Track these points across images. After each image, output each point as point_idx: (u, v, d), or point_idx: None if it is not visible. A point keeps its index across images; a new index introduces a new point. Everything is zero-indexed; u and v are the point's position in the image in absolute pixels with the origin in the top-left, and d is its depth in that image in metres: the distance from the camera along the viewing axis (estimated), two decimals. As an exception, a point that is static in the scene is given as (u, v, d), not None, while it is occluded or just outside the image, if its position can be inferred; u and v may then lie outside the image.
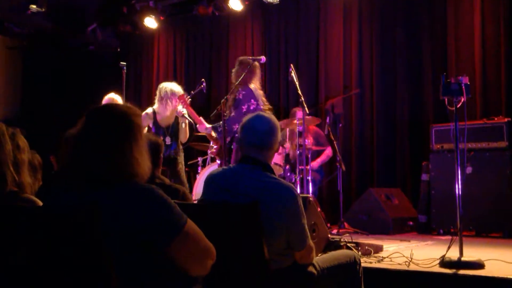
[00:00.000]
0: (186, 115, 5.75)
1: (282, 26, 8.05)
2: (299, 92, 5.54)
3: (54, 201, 1.98)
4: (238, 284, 2.41)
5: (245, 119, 2.70)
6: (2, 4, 7.87)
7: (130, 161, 1.90)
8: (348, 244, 3.59)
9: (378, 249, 4.18)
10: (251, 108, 5.31)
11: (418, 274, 3.42)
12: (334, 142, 6.32)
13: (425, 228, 5.94)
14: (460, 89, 3.64)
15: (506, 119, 5.62)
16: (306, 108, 5.61)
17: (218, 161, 6.00)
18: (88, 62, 9.16)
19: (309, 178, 5.91)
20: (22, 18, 8.15)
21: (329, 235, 3.62)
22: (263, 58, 5.51)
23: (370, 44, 7.33)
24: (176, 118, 5.84)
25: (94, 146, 1.90)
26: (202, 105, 7.76)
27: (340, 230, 5.73)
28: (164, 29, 8.94)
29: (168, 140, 5.79)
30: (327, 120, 6.46)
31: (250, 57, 5.73)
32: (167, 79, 9.00)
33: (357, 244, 3.87)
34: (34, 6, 7.79)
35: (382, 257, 3.85)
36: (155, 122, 5.80)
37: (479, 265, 3.40)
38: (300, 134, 5.87)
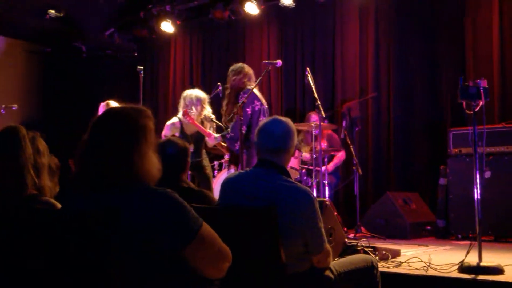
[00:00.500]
0: (214, 119, 5.78)
1: (298, 30, 8.04)
2: (315, 95, 5.53)
3: (70, 204, 2.00)
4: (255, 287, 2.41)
5: (261, 123, 2.70)
6: (21, 9, 7.97)
7: (138, 163, 1.91)
8: (365, 249, 3.57)
9: (396, 253, 4.15)
10: (256, 109, 5.33)
11: (436, 279, 3.38)
12: (351, 146, 6.30)
13: (443, 233, 5.88)
14: (478, 92, 3.61)
15: (525, 123, 5.56)
16: (323, 112, 5.59)
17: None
18: (105, 66, 9.24)
19: (326, 182, 5.89)
20: (41, 23, 8.25)
21: (346, 240, 3.60)
22: (279, 62, 5.51)
23: (387, 47, 7.29)
24: (202, 124, 5.90)
25: (102, 150, 1.91)
26: (218, 108, 7.77)
27: (357, 235, 5.69)
28: (181, 33, 8.98)
29: (191, 148, 5.83)
30: (344, 124, 6.44)
31: (266, 61, 5.74)
32: (183, 82, 9.08)
33: (374, 249, 3.84)
34: (52, 11, 7.89)
35: (400, 262, 3.82)
36: (182, 130, 5.85)
37: (498, 270, 3.36)
38: (316, 137, 5.86)
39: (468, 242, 3.87)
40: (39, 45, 8.88)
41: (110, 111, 2.05)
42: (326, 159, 6.28)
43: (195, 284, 1.95)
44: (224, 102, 5.71)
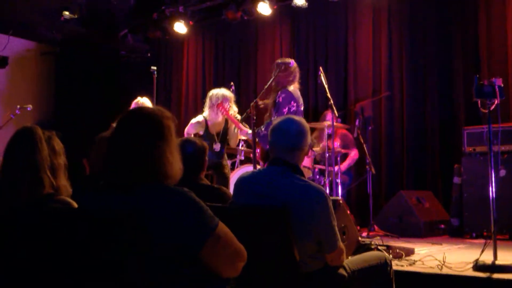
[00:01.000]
0: (240, 118, 5.81)
1: (311, 30, 8.04)
2: (328, 95, 5.53)
3: (88, 203, 2.02)
4: (270, 286, 2.41)
5: (275, 121, 2.71)
6: (36, 11, 8.05)
7: (162, 163, 1.93)
8: (379, 247, 3.57)
9: (410, 252, 4.14)
10: (292, 110, 5.29)
11: (451, 278, 3.37)
12: (364, 145, 6.29)
13: (457, 232, 5.85)
14: (493, 91, 3.59)
15: (540, 121, 5.51)
16: (336, 111, 5.59)
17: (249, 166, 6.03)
18: (119, 67, 9.29)
19: (338, 180, 5.89)
20: (55, 24, 8.33)
21: (359, 238, 3.60)
22: (292, 62, 5.50)
23: (400, 46, 7.26)
24: (226, 123, 5.93)
25: (126, 150, 1.93)
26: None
27: (370, 233, 5.69)
28: (193, 34, 9.01)
29: (217, 147, 5.88)
30: (357, 123, 6.43)
31: (280, 61, 5.73)
32: (196, 83, 9.11)
33: (388, 247, 3.84)
34: (67, 13, 7.96)
35: (414, 260, 3.82)
36: (206, 129, 5.88)
37: (513, 269, 3.34)
38: (329, 136, 5.85)
39: (482, 241, 3.85)
40: (53, 47, 8.95)
41: (133, 111, 2.07)
42: (339, 158, 6.27)
43: (211, 283, 1.96)
44: (263, 97, 5.56)
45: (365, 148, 6.27)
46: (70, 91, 8.90)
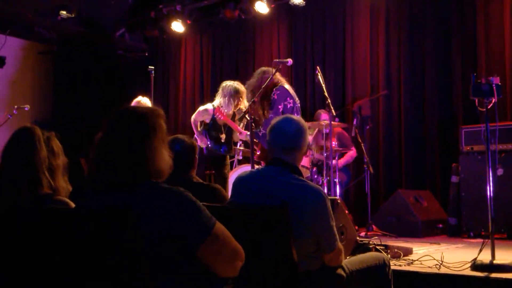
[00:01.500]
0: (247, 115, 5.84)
1: (309, 28, 8.03)
2: (326, 94, 5.52)
3: (84, 203, 2.02)
4: (268, 286, 2.41)
5: (273, 121, 2.71)
6: (33, 10, 8.03)
7: (152, 160, 1.94)
8: (377, 247, 3.57)
9: (408, 252, 4.14)
10: (288, 106, 5.29)
11: (449, 277, 3.37)
12: (362, 144, 6.29)
13: (455, 231, 5.85)
14: (491, 89, 3.59)
15: (538, 120, 5.52)
16: (333, 110, 5.58)
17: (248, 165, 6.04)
18: (117, 66, 9.28)
19: (336, 180, 5.89)
20: (52, 23, 8.31)
21: (358, 238, 3.60)
22: (289, 61, 5.50)
23: (398, 45, 7.26)
24: (234, 116, 5.96)
25: (115, 149, 1.93)
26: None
27: (369, 233, 5.69)
28: (191, 33, 9.01)
29: (223, 138, 5.92)
30: (354, 122, 6.42)
31: (277, 60, 5.73)
32: (194, 82, 9.10)
33: (386, 247, 3.83)
34: (64, 12, 7.94)
35: (412, 260, 3.82)
36: (213, 118, 5.90)
37: (511, 268, 3.34)
38: (326, 136, 5.85)
39: (480, 240, 3.85)
40: (50, 46, 8.93)
41: (122, 111, 2.08)
42: (336, 158, 6.27)
43: (209, 283, 1.96)
44: (254, 105, 5.50)
45: (363, 147, 6.26)
46: (68, 91, 8.88)
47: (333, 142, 6.07)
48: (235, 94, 5.84)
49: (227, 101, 5.80)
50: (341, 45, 7.73)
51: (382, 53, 7.35)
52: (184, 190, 1.91)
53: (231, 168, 6.77)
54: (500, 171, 5.43)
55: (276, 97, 5.31)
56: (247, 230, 2.26)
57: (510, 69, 6.34)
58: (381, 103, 7.27)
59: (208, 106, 5.99)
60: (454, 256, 3.89)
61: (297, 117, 2.73)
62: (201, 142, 5.93)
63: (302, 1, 7.54)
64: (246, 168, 6.06)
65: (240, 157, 6.57)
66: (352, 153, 6.74)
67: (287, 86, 5.42)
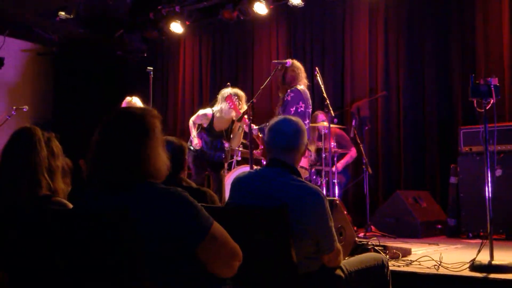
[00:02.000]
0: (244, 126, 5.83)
1: (308, 29, 8.04)
2: (325, 95, 5.53)
3: (82, 204, 2.02)
4: (267, 287, 2.41)
5: (271, 122, 2.71)
6: (32, 11, 8.03)
7: (149, 161, 1.94)
8: (376, 248, 3.57)
9: (406, 252, 4.14)
10: (299, 110, 5.27)
11: (447, 278, 3.38)
12: (360, 145, 6.29)
13: (454, 232, 5.86)
14: (489, 90, 3.60)
15: (536, 121, 5.53)
16: (332, 111, 5.58)
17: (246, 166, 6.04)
18: (116, 67, 9.28)
19: (335, 181, 5.89)
20: (51, 24, 8.31)
21: (356, 239, 3.60)
22: (288, 62, 5.50)
23: (397, 46, 7.26)
24: (232, 123, 5.94)
25: (112, 150, 1.94)
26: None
27: (367, 234, 5.69)
28: (190, 34, 9.01)
29: (227, 145, 5.93)
30: (353, 123, 6.43)
31: (276, 61, 5.73)
32: (192, 83, 9.10)
33: (385, 248, 3.84)
34: (63, 13, 7.94)
35: (411, 260, 3.82)
36: (211, 124, 5.91)
37: (510, 268, 3.35)
38: (323, 137, 5.86)
39: (479, 241, 3.86)
40: (49, 47, 8.93)
41: (118, 112, 2.08)
42: (335, 159, 6.28)
43: (208, 283, 1.96)
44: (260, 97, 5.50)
45: (361, 148, 6.27)
46: (67, 92, 8.89)
47: (332, 144, 6.07)
48: (233, 96, 5.82)
49: (226, 104, 5.79)
50: (340, 46, 7.73)
51: (381, 54, 7.35)
52: (182, 190, 1.92)
53: (230, 169, 6.78)
54: (498, 172, 5.44)
55: (289, 98, 5.28)
56: (246, 231, 2.26)
57: (508, 70, 6.35)
58: (380, 104, 7.28)
59: (208, 110, 6.00)
60: (453, 257, 3.90)
61: (295, 118, 2.73)
62: (196, 144, 5.95)
63: (301, 2, 7.55)
64: (245, 169, 6.06)
65: (239, 158, 6.58)
66: (351, 153, 6.75)
67: (301, 87, 5.38)
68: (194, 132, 6.03)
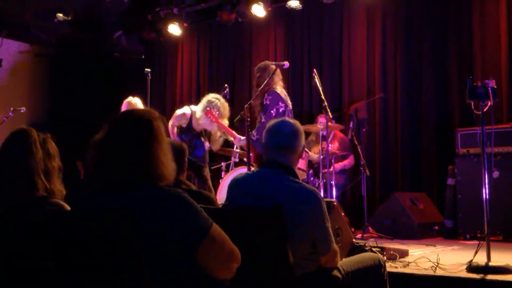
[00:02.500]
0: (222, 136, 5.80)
1: (305, 32, 8.04)
2: (323, 97, 5.54)
3: (82, 205, 2.02)
4: (263, 288, 2.41)
5: (269, 123, 2.71)
6: (30, 13, 8.02)
7: (155, 164, 1.94)
8: (373, 249, 3.57)
9: (404, 254, 4.15)
10: (280, 111, 5.32)
11: (445, 279, 3.38)
12: (358, 147, 6.30)
13: (451, 233, 5.87)
14: (486, 92, 3.60)
15: (533, 123, 5.54)
16: (330, 113, 5.59)
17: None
18: (113, 69, 9.27)
19: (333, 182, 5.89)
20: (49, 26, 8.30)
21: (354, 240, 3.60)
22: (286, 64, 5.51)
23: (394, 48, 7.28)
24: (204, 132, 5.95)
25: (117, 152, 1.94)
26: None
27: (365, 235, 5.70)
28: (188, 35, 9.01)
29: (207, 145, 5.90)
30: (351, 125, 6.44)
31: (273, 63, 5.74)
32: (190, 85, 9.11)
33: (382, 249, 3.84)
34: (60, 15, 7.94)
35: (408, 261, 3.82)
36: (189, 123, 5.88)
37: (507, 270, 3.36)
38: (323, 138, 5.86)
39: (476, 242, 3.86)
40: (47, 48, 8.92)
41: (123, 114, 2.09)
42: (333, 161, 6.28)
43: (207, 284, 1.96)
44: (253, 102, 5.55)
45: (359, 150, 6.28)
46: (64, 93, 8.87)
47: (331, 145, 6.08)
48: (207, 104, 5.79)
49: (206, 117, 5.73)
50: (337, 48, 7.74)
51: (378, 56, 7.37)
52: (182, 191, 1.92)
53: (228, 170, 6.77)
54: (495, 174, 5.45)
55: (268, 102, 5.34)
56: (243, 232, 2.26)
57: (505, 72, 6.37)
58: (378, 106, 7.29)
59: (186, 109, 5.94)
60: (450, 258, 3.90)
61: (293, 119, 2.75)
62: None
63: (299, 4, 7.56)
64: (242, 170, 6.06)
65: (237, 159, 6.57)
66: (350, 160, 6.78)
67: (278, 89, 5.43)
68: (173, 137, 5.96)
